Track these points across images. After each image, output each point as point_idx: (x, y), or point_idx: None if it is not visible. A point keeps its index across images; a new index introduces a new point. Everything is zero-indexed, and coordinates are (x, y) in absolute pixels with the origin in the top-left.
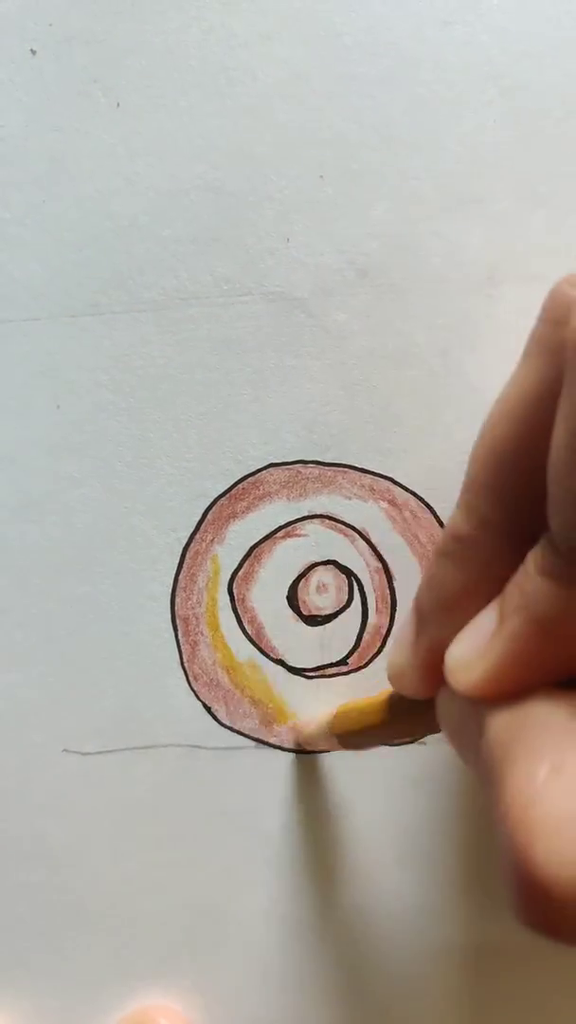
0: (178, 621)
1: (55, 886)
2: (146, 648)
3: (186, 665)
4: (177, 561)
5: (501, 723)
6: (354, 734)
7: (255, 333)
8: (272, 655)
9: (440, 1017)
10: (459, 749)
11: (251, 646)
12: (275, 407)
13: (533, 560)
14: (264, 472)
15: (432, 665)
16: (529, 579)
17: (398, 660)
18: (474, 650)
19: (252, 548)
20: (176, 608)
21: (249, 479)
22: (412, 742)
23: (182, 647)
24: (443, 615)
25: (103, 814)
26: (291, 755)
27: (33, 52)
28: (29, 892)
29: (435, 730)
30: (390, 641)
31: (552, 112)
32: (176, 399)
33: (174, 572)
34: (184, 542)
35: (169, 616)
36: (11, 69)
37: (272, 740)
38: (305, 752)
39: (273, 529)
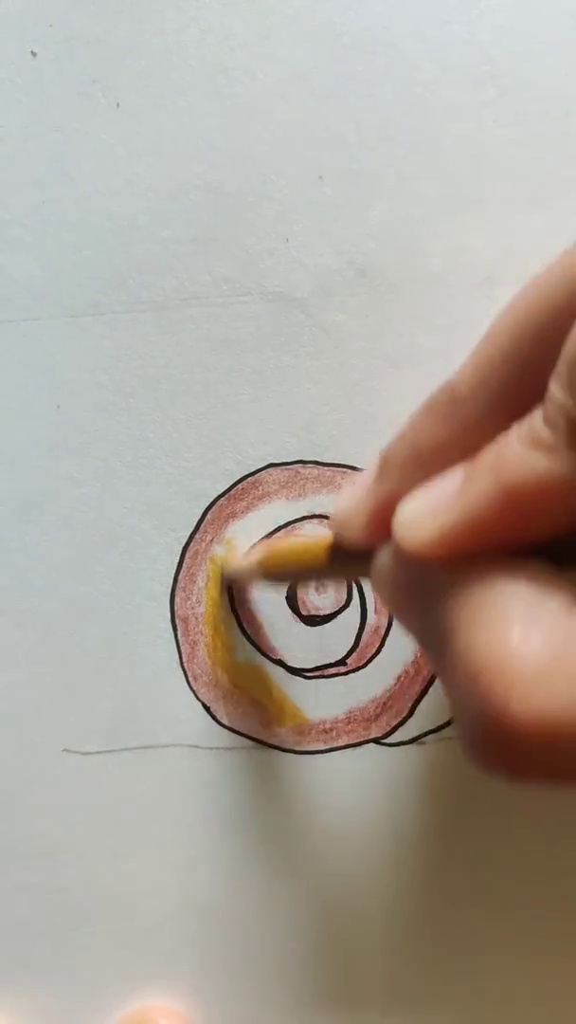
0: (178, 621)
1: (55, 886)
2: (146, 648)
3: (186, 665)
4: (177, 561)
5: (461, 589)
6: (281, 568)
7: (254, 333)
8: (271, 655)
9: (441, 1016)
10: (396, 607)
11: (250, 646)
12: (274, 407)
13: (517, 428)
14: (263, 472)
15: (382, 516)
16: (508, 445)
17: (348, 504)
18: (430, 507)
19: (252, 548)
20: (176, 608)
21: (248, 479)
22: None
23: (182, 647)
24: (410, 467)
25: (103, 814)
26: (290, 755)
27: (33, 53)
28: (29, 892)
29: (365, 577)
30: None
31: (552, 112)
32: (176, 399)
33: (174, 572)
34: (184, 542)
35: (169, 616)
36: (11, 70)
37: (271, 740)
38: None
39: (273, 529)
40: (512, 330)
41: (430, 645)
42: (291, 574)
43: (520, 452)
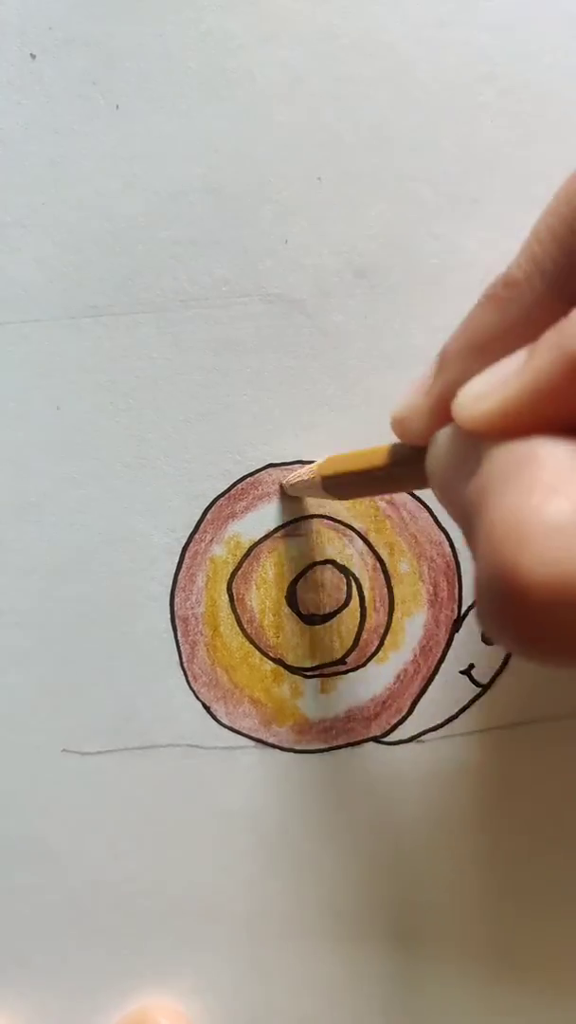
0: (177, 621)
1: (55, 886)
2: (146, 648)
3: (185, 665)
4: (176, 561)
5: (500, 456)
6: (341, 477)
7: (254, 334)
8: (271, 654)
9: (441, 1016)
10: (445, 493)
11: (250, 646)
12: (274, 408)
13: None
14: (263, 472)
15: (442, 409)
16: (571, 321)
17: (407, 402)
18: (491, 384)
19: (251, 548)
20: (175, 608)
21: (248, 479)
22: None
23: (181, 647)
24: (469, 357)
25: (103, 814)
26: (291, 754)
27: (33, 56)
28: (29, 892)
29: (423, 485)
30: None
31: (549, 113)
32: (175, 400)
33: (173, 572)
34: (183, 542)
35: (169, 616)
36: (11, 72)
37: (272, 740)
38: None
39: (272, 529)
40: (562, 212)
41: (467, 520)
42: (350, 482)
43: None
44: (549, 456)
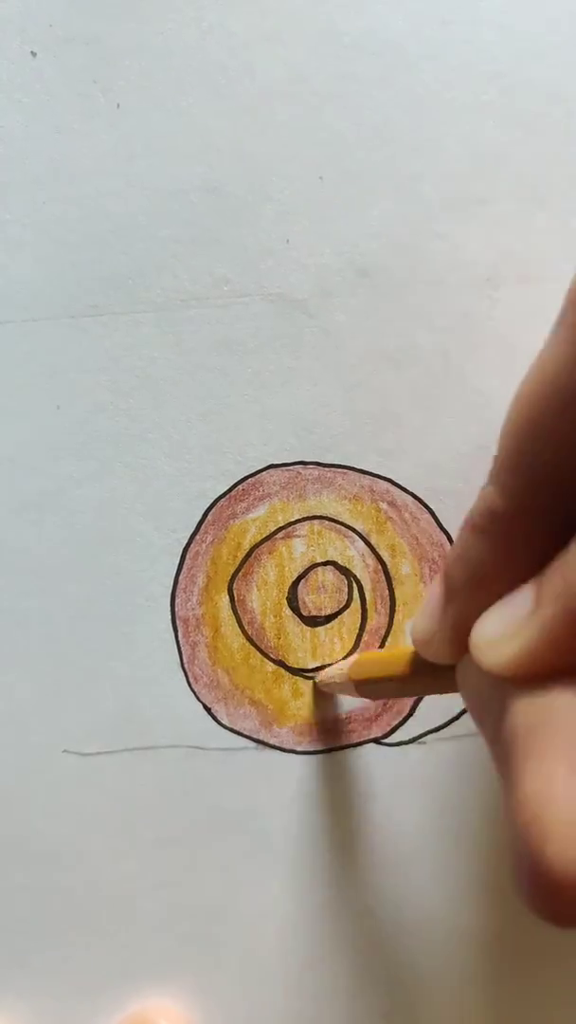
0: (178, 622)
1: (55, 886)
2: (146, 649)
3: (186, 666)
4: (177, 562)
5: (524, 710)
6: (372, 683)
7: (255, 334)
8: (272, 655)
9: (443, 1015)
10: (477, 719)
11: (251, 647)
12: (275, 408)
13: None
14: (264, 473)
15: (459, 635)
16: (571, 567)
17: (424, 627)
18: (505, 629)
19: (252, 549)
20: (176, 609)
21: (249, 480)
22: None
23: (182, 648)
24: (474, 589)
25: (103, 815)
26: (291, 755)
27: (33, 54)
28: (29, 892)
29: (454, 691)
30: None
31: (552, 112)
32: (176, 400)
33: (174, 573)
34: (184, 543)
35: (169, 617)
36: (11, 70)
37: (272, 741)
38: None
39: (274, 529)
40: (523, 441)
41: (498, 763)
42: (381, 684)
43: None
44: (570, 719)
